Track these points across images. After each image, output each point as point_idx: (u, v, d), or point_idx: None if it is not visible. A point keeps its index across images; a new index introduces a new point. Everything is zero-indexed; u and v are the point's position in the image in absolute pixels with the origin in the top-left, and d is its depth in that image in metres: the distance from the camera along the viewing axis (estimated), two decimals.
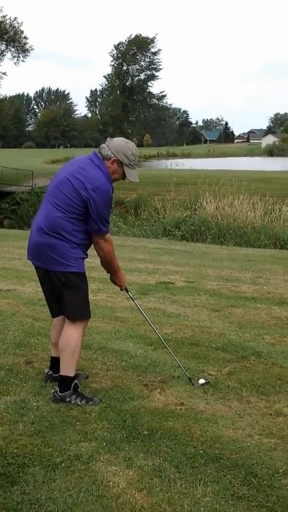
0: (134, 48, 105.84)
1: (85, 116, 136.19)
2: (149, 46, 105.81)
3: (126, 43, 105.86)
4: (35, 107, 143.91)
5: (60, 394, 3.70)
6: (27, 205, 25.89)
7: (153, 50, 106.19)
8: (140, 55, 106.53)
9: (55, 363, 3.95)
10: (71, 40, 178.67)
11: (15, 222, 24.94)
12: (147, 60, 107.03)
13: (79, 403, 3.64)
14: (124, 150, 3.74)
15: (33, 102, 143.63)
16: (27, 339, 5.05)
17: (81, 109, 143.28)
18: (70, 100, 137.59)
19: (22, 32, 33.98)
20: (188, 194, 22.42)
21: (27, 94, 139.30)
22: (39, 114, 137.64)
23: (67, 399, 3.67)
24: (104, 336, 5.24)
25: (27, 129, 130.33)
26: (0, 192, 28.88)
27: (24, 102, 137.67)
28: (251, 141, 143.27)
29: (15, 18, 34.22)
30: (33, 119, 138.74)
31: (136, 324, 5.71)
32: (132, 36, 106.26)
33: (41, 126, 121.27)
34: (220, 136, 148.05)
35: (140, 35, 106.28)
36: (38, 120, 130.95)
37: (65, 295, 3.74)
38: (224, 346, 4.99)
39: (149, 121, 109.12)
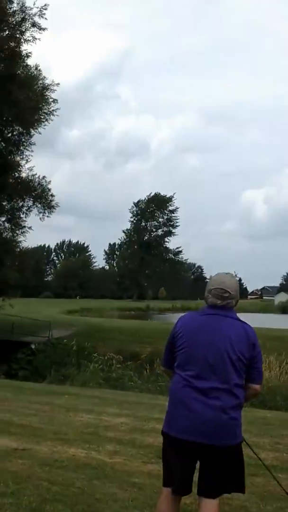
0: (153, 205, 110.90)
1: (103, 268, 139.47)
2: (167, 204, 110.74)
3: (146, 200, 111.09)
4: (55, 258, 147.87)
5: None
6: (42, 356, 25.85)
7: (170, 208, 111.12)
8: (159, 213, 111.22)
9: None
10: (92, 196, 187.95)
11: (29, 373, 24.78)
12: (165, 217, 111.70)
13: None
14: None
15: (53, 253, 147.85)
16: (43, 505, 4.88)
17: (99, 261, 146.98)
18: (89, 252, 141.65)
19: (49, 190, 35.89)
20: None
21: (48, 246, 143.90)
22: (58, 265, 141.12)
23: None
24: (121, 504, 5.06)
25: (46, 279, 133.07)
26: (17, 342, 29.04)
27: (45, 253, 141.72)
28: (264, 297, 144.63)
29: (44, 177, 36.11)
30: (52, 270, 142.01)
31: (153, 491, 5.52)
32: (152, 194, 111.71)
33: (60, 277, 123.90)
34: None
35: (159, 193, 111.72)
36: (57, 271, 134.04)
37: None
38: None
39: (164, 275, 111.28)
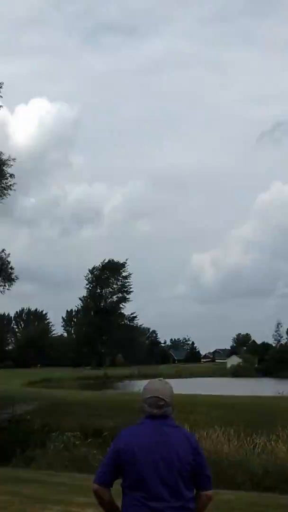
0: (107, 272, 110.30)
1: (61, 335, 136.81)
2: (121, 271, 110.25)
3: (100, 267, 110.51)
4: (14, 326, 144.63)
5: None
6: (6, 434, 24.66)
7: (124, 274, 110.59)
8: (113, 279, 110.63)
9: None
10: (49, 263, 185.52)
11: None
12: (119, 283, 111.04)
13: None
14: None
15: (13, 321, 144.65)
16: None
17: (58, 328, 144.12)
18: (48, 320, 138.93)
19: (9, 262, 35.19)
20: None
21: (8, 314, 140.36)
22: (18, 334, 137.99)
23: None
24: None
25: (6, 348, 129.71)
26: None
27: (5, 322, 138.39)
28: (216, 360, 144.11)
29: (3, 250, 35.15)
30: (12, 339, 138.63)
31: None
32: (106, 261, 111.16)
33: (20, 346, 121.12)
34: (188, 356, 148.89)
35: (112, 260, 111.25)
36: (17, 340, 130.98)
37: None
38: None
39: (121, 341, 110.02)
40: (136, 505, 3.43)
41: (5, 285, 34.71)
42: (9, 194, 34.44)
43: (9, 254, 35.23)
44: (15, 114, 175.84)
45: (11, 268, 34.99)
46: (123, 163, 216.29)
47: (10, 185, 34.06)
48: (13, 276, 34.95)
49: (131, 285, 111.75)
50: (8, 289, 34.86)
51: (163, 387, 3.66)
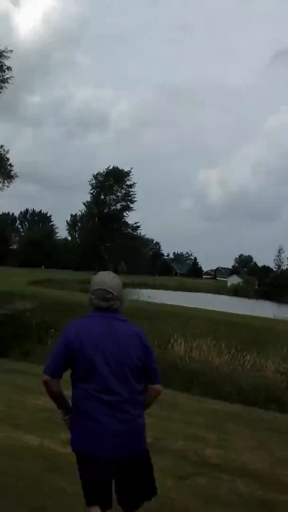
0: (111, 179, 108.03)
1: (65, 238, 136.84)
2: (125, 179, 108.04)
3: (104, 173, 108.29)
4: (19, 226, 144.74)
5: None
6: (5, 329, 24.97)
7: (128, 182, 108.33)
8: (117, 187, 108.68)
9: None
10: (54, 165, 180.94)
11: None
12: (123, 191, 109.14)
13: None
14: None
15: (18, 221, 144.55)
16: None
17: (62, 232, 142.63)
18: (52, 223, 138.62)
19: (8, 159, 33.91)
20: (159, 331, 22.23)
21: (12, 214, 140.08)
22: (22, 233, 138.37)
23: None
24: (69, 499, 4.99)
25: (11, 247, 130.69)
26: None
27: (10, 221, 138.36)
28: (217, 278, 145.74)
29: (1, 146, 34.22)
30: (17, 238, 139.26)
31: None
32: (110, 168, 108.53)
33: (25, 246, 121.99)
34: (190, 270, 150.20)
35: (117, 167, 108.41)
36: (21, 240, 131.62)
37: None
38: None
39: (123, 249, 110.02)
40: (86, 397, 3.43)
41: (4, 182, 33.89)
42: (6, 88, 32.75)
43: (8, 150, 33.88)
44: (19, 6, 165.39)
45: (10, 165, 34.12)
46: (132, 69, 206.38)
47: (7, 78, 32.50)
48: (12, 173, 33.83)
49: (135, 194, 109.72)
50: (7, 186, 33.85)
51: (111, 279, 3.61)
